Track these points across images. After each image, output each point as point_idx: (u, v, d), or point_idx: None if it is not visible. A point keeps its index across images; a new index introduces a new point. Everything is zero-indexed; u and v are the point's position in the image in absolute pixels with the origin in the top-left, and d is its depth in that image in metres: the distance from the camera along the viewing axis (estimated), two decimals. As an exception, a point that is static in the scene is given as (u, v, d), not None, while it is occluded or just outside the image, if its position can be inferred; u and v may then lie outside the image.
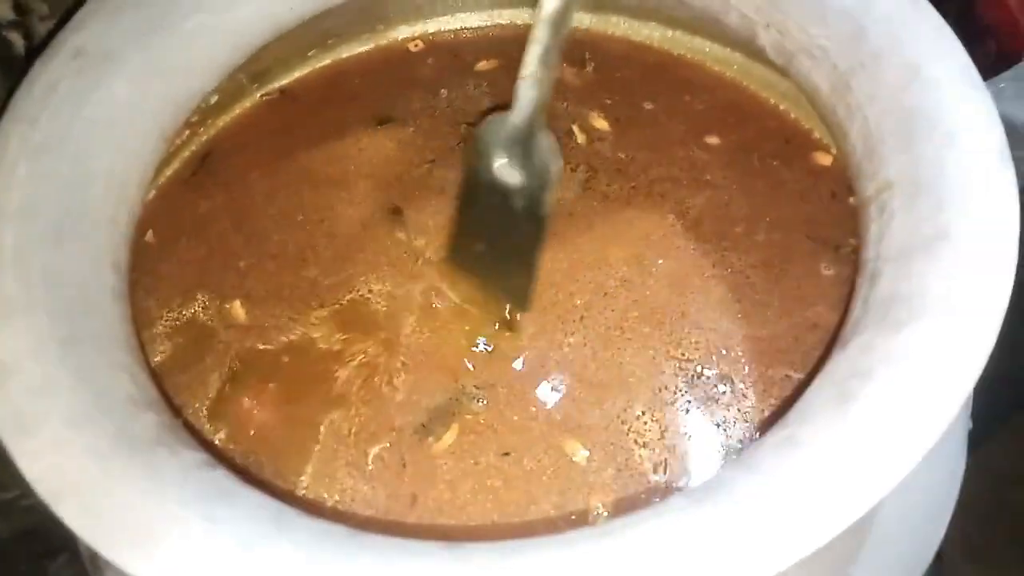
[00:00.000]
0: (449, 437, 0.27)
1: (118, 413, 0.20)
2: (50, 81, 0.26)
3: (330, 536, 0.19)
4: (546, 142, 0.28)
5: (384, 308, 0.31)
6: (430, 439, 0.27)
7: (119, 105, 0.27)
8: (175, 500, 0.19)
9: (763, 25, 0.27)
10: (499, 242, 0.30)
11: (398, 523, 0.25)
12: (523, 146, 0.28)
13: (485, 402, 0.28)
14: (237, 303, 0.31)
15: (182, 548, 0.18)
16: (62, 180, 0.25)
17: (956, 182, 0.21)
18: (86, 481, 0.19)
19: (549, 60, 0.26)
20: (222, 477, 0.20)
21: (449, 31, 0.41)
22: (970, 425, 0.27)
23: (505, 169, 0.29)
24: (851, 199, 0.24)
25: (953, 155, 0.21)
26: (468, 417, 0.28)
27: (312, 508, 0.24)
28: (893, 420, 0.18)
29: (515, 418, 0.27)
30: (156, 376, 0.24)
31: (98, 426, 0.20)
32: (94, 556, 0.26)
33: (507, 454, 0.27)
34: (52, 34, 0.39)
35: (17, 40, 0.39)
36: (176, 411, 0.26)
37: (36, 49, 0.40)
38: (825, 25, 0.25)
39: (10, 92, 0.37)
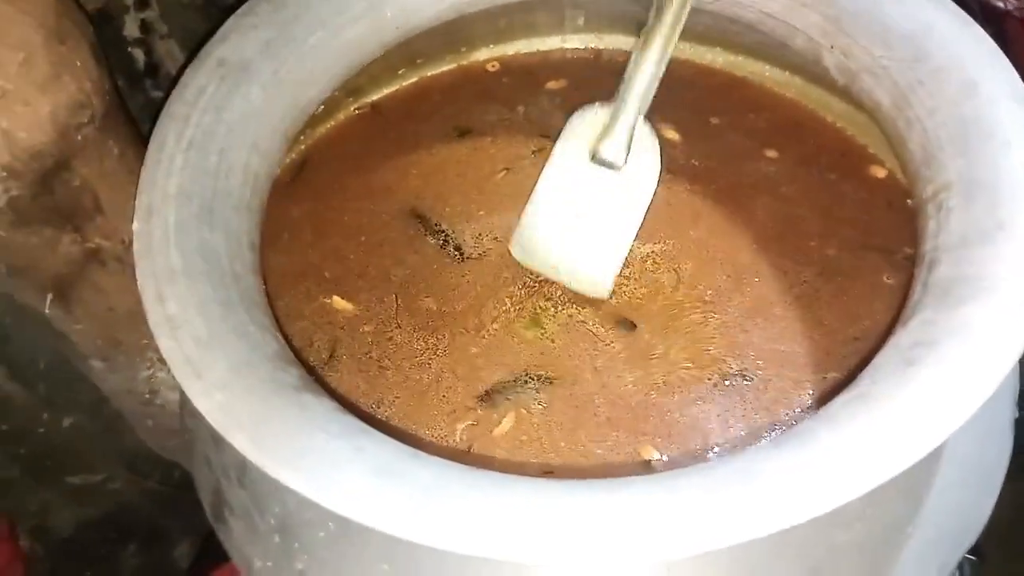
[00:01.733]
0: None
1: (270, 364, 0.24)
2: (199, 86, 0.30)
3: (457, 470, 0.21)
4: (650, 134, 0.29)
5: (471, 294, 0.34)
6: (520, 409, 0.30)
7: (253, 108, 0.30)
8: (325, 431, 0.22)
9: (828, 47, 0.30)
10: (581, 227, 0.31)
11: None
12: (626, 136, 0.29)
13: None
14: (335, 296, 0.35)
15: (335, 470, 0.21)
16: (210, 170, 0.28)
17: (1012, 182, 0.24)
18: (251, 416, 0.22)
19: (663, 55, 0.28)
20: (356, 421, 0.23)
21: (524, 54, 0.45)
22: (1016, 413, 0.29)
23: (609, 154, 0.30)
24: (909, 201, 0.27)
25: (1008, 159, 0.24)
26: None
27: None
28: (954, 380, 0.21)
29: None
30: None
31: (256, 373, 0.23)
32: (218, 504, 0.29)
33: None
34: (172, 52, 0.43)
35: (140, 56, 0.43)
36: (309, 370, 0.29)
37: (155, 64, 0.44)
38: (888, 47, 0.28)
39: (142, 102, 0.41)
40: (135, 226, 0.26)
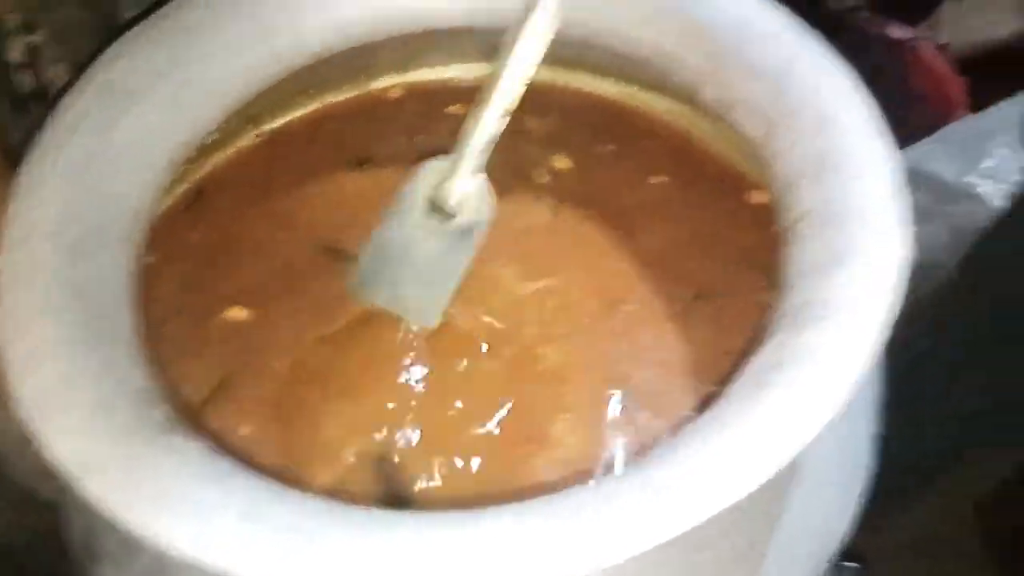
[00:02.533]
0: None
1: (136, 404, 0.23)
2: (79, 111, 0.29)
3: (328, 509, 0.21)
4: (483, 188, 0.32)
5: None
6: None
7: (138, 135, 0.30)
8: (191, 474, 0.21)
9: (706, 81, 0.32)
10: (414, 267, 0.33)
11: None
12: (458, 189, 0.32)
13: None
14: (225, 317, 0.34)
15: (197, 515, 0.21)
16: (86, 200, 0.28)
17: (857, 212, 0.25)
18: (109, 461, 0.21)
19: (495, 124, 0.30)
20: (229, 464, 0.23)
21: (426, 81, 0.45)
22: (876, 429, 0.31)
23: (444, 203, 0.32)
24: (773, 228, 0.29)
25: (855, 190, 0.26)
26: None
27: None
28: (799, 400, 0.22)
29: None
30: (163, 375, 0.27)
31: (118, 413, 0.23)
32: (89, 545, 0.29)
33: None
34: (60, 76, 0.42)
35: (26, 80, 0.42)
36: (181, 407, 0.28)
37: (42, 89, 0.43)
38: (757, 81, 0.30)
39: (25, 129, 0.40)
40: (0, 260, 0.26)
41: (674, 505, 0.20)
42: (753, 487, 0.21)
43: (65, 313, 0.25)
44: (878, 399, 0.30)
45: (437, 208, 0.32)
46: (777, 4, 0.31)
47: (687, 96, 0.37)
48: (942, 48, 1.09)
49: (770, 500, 0.25)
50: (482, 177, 0.32)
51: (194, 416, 0.30)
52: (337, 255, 0.37)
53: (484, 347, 0.33)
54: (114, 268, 0.27)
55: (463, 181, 0.31)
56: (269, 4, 0.33)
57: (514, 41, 0.30)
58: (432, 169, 0.33)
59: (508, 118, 0.31)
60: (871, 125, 0.27)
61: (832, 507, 0.28)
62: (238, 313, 0.34)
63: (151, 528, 0.20)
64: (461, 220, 0.32)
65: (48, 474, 0.41)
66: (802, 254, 0.25)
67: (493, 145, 0.31)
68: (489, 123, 0.31)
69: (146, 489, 0.21)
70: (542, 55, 0.31)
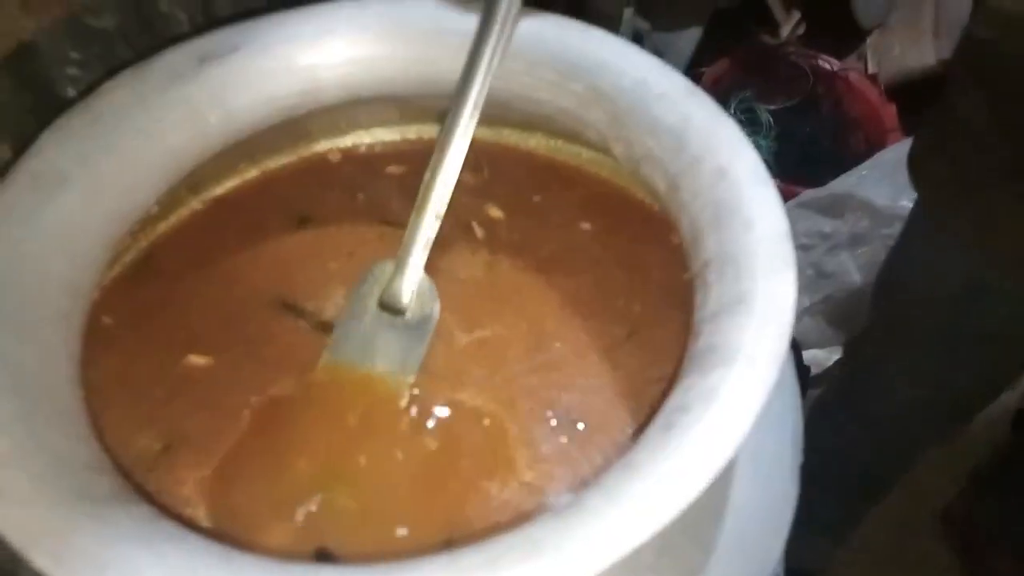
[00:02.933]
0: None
1: (78, 476, 0.24)
2: (8, 201, 0.30)
3: (271, 569, 0.23)
4: (429, 286, 0.35)
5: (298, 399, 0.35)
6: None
7: (70, 219, 0.31)
8: (130, 542, 0.22)
9: (613, 138, 0.34)
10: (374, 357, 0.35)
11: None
12: (406, 288, 0.35)
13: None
14: (185, 365, 0.36)
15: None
16: (20, 284, 0.29)
17: (750, 258, 0.27)
18: (52, 532, 0.22)
19: (431, 226, 0.34)
20: (169, 526, 0.24)
21: (364, 144, 0.47)
22: (801, 459, 0.33)
23: (393, 301, 0.35)
24: (684, 275, 0.30)
25: (749, 237, 0.28)
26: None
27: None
28: (702, 441, 0.23)
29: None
30: (107, 445, 0.28)
31: (60, 486, 0.24)
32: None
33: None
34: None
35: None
36: (126, 474, 0.29)
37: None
38: (657, 138, 0.32)
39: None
40: (-61, 344, 0.27)
41: (596, 547, 0.22)
42: (663, 524, 0.22)
43: (6, 392, 0.26)
44: (799, 432, 0.32)
45: (388, 307, 0.35)
46: (670, 68, 0.33)
47: (601, 151, 0.40)
48: (871, 77, 1.15)
49: (699, 536, 0.27)
50: (424, 276, 0.35)
51: (144, 475, 0.31)
52: (289, 309, 0.38)
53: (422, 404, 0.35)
54: (54, 346, 0.28)
55: (409, 281, 0.35)
56: (195, 85, 0.35)
57: (440, 155, 0.34)
58: (380, 271, 0.36)
59: (440, 220, 0.34)
60: (758, 175, 0.30)
61: (761, 539, 0.29)
62: (197, 360, 0.36)
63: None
64: (411, 317, 0.35)
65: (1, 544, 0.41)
66: (707, 299, 0.27)
67: (431, 245, 0.35)
68: (426, 226, 0.34)
69: (86, 557, 0.22)
70: (461, 164, 0.34)
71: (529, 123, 0.44)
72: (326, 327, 0.37)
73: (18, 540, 0.22)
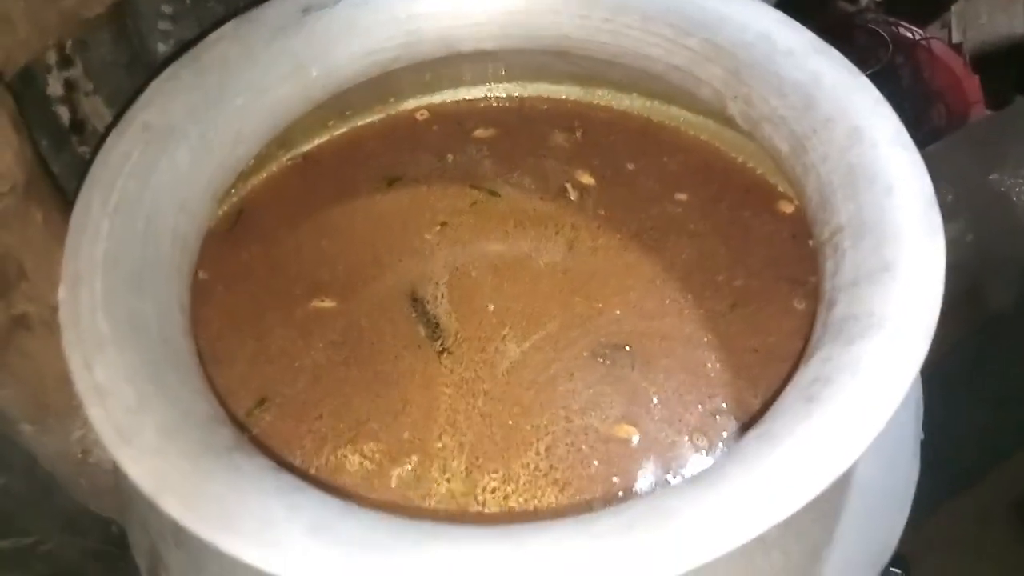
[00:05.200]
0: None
1: (201, 426, 0.24)
2: (123, 151, 0.30)
3: (390, 523, 0.22)
4: None
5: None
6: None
7: (180, 171, 0.31)
8: (258, 491, 0.22)
9: (731, 97, 0.32)
10: None
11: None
12: None
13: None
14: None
15: (268, 530, 0.21)
16: (137, 236, 0.28)
17: (893, 224, 0.26)
18: (182, 479, 0.22)
19: None
20: (291, 477, 0.24)
21: (451, 102, 0.46)
22: (922, 436, 0.31)
23: None
24: (810, 242, 0.29)
25: (890, 202, 0.26)
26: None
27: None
28: (849, 415, 0.22)
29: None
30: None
31: (186, 436, 0.23)
32: (153, 565, 0.29)
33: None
34: (99, 109, 0.44)
35: (65, 114, 0.43)
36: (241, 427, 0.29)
37: (81, 121, 0.44)
38: (783, 97, 0.30)
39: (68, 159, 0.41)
40: (60, 295, 0.26)
41: (733, 518, 0.21)
42: (806, 501, 0.21)
43: (127, 344, 0.25)
44: (920, 407, 0.31)
45: None
46: (796, 23, 0.31)
47: (711, 111, 0.38)
48: (956, 47, 1.10)
49: (825, 513, 0.26)
50: None
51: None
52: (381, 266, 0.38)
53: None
54: (168, 298, 0.28)
55: None
56: (299, 38, 0.34)
57: None
58: None
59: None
60: (899, 138, 0.28)
61: (884, 518, 0.28)
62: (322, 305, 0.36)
63: (224, 543, 0.21)
64: None
65: (105, 492, 0.42)
66: (841, 267, 0.26)
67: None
68: None
69: (217, 507, 0.22)
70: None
71: (630, 83, 0.42)
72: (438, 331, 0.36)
73: (149, 490, 0.22)
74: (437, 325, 0.35)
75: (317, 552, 0.21)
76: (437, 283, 0.37)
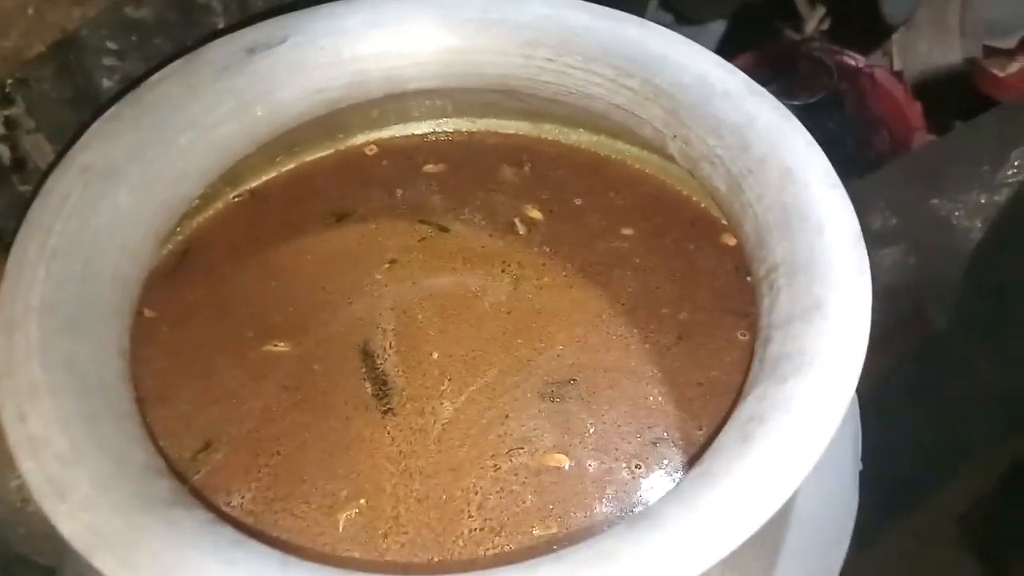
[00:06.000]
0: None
1: (138, 478, 0.24)
2: (62, 193, 0.30)
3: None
4: None
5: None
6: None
7: (121, 212, 0.31)
8: (195, 548, 0.22)
9: (671, 136, 0.33)
10: None
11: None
12: None
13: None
14: (222, 381, 0.35)
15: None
16: (75, 279, 0.28)
17: (824, 263, 0.26)
18: (117, 536, 0.22)
19: None
20: (230, 531, 0.23)
21: (401, 137, 0.47)
22: (860, 466, 0.32)
23: None
24: (748, 278, 0.30)
25: (821, 241, 0.27)
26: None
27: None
28: (782, 452, 0.23)
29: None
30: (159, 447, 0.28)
31: (121, 489, 0.23)
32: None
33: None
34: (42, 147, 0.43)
35: (4, 152, 0.42)
36: (181, 478, 0.29)
37: (20, 159, 0.43)
38: (720, 137, 0.31)
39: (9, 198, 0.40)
40: (-5, 342, 0.26)
41: (672, 559, 0.21)
42: (745, 538, 0.22)
43: (63, 391, 0.25)
44: (858, 438, 0.31)
45: None
46: (732, 66, 0.32)
47: (654, 149, 0.39)
48: (897, 74, 1.14)
49: (766, 548, 0.26)
50: None
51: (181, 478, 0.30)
52: (332, 307, 0.38)
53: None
54: (107, 342, 0.28)
55: None
56: (243, 77, 0.34)
57: None
58: None
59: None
60: (828, 178, 0.29)
61: (825, 549, 0.29)
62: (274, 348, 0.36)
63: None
64: None
65: (44, 539, 0.41)
66: (777, 305, 0.27)
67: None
68: None
69: (153, 564, 0.21)
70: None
71: (576, 119, 0.43)
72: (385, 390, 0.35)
73: (82, 544, 0.22)
74: (384, 383, 0.35)
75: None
76: (386, 331, 0.37)
